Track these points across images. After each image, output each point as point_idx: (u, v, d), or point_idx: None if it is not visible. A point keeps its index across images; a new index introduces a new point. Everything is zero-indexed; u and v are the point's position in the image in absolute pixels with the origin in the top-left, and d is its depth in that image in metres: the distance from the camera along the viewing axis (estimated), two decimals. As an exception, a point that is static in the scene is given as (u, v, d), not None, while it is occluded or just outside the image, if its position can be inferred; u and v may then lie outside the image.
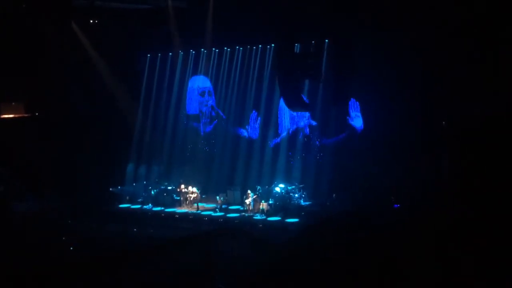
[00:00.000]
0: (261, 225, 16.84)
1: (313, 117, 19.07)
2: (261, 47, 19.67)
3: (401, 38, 16.32)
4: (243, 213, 17.97)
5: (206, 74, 20.97)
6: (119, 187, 20.42)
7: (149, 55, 21.55)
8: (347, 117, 18.10)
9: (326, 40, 17.06)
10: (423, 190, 16.21)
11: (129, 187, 20.55)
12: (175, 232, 16.39)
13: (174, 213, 18.69)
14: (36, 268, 12.21)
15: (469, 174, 15.34)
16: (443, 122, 16.49)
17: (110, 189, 20.20)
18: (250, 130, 20.06)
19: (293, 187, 18.12)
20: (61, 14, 19.12)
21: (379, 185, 16.83)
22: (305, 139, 19.26)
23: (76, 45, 20.08)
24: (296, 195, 17.87)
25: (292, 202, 17.68)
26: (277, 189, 18.08)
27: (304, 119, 19.19)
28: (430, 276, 10.79)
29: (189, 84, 21.34)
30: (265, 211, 17.54)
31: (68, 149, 19.95)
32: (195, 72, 21.16)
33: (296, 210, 17.31)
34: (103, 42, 20.30)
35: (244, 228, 16.39)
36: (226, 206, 18.57)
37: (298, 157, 19.19)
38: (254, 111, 19.96)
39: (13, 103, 20.61)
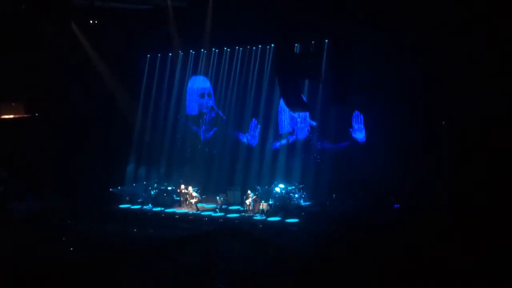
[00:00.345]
0: (261, 225, 16.82)
1: (313, 117, 19.07)
2: (261, 47, 19.66)
3: (401, 38, 16.31)
4: (243, 213, 17.96)
5: (205, 74, 20.94)
6: (119, 187, 20.42)
7: (149, 55, 21.54)
8: (350, 129, 18.10)
9: (326, 40, 17.07)
10: (423, 190, 16.21)
11: (129, 187, 20.55)
12: (175, 232, 16.35)
13: (174, 213, 18.68)
14: (36, 268, 12.23)
15: (469, 174, 15.33)
16: (443, 122, 16.47)
17: (110, 189, 20.18)
18: (250, 138, 20.07)
19: (293, 187, 18.11)
20: (61, 14, 19.10)
21: (379, 185, 16.82)
22: (305, 140, 19.26)
23: (76, 45, 20.07)
24: (296, 195, 17.86)
25: (292, 202, 17.67)
26: (277, 189, 18.08)
27: (304, 120, 19.19)
28: (430, 276, 10.81)
29: (189, 85, 21.32)
30: (265, 211, 17.53)
31: (68, 149, 19.93)
32: (194, 72, 21.13)
33: (296, 210, 17.29)
34: (103, 42, 20.27)
35: (244, 228, 16.36)
36: (226, 206, 18.57)
37: (298, 158, 19.18)
38: (254, 119, 19.93)
39: (13, 103, 20.60)
